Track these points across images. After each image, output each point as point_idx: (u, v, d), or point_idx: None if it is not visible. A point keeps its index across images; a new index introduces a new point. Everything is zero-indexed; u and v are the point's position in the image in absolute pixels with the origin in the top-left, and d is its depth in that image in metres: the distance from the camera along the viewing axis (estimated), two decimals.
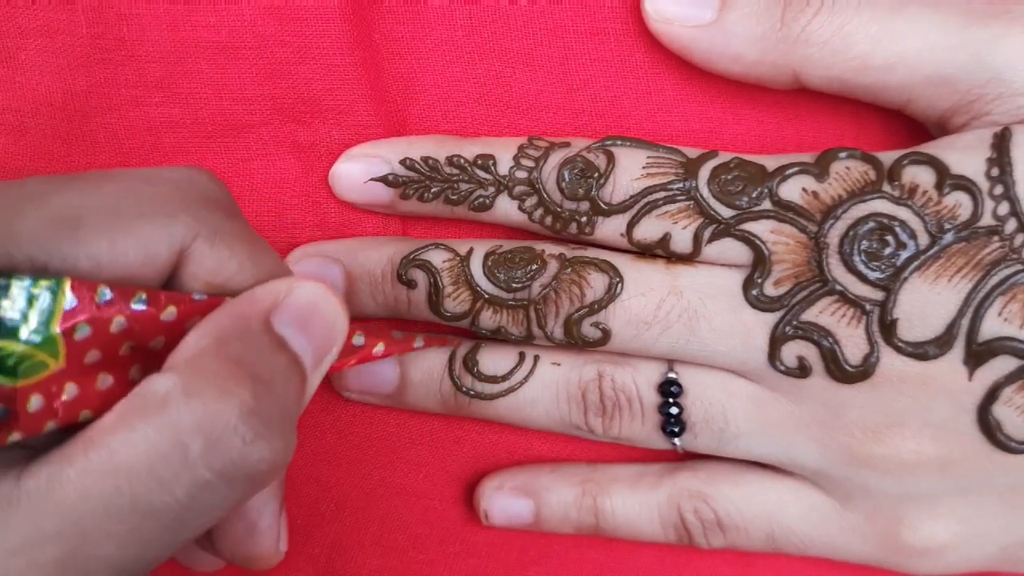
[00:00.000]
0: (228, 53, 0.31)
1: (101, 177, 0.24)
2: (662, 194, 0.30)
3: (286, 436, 0.23)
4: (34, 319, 0.21)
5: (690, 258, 0.31)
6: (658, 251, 0.31)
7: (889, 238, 0.29)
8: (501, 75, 0.32)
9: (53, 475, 0.21)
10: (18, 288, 0.21)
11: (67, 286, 0.21)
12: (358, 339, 0.28)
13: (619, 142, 0.31)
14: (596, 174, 0.30)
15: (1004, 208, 0.28)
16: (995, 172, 0.29)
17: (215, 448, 0.21)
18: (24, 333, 0.21)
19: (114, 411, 0.22)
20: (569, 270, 0.31)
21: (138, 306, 0.23)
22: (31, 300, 0.21)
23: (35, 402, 0.21)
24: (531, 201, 0.31)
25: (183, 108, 0.31)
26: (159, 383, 0.22)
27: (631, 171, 0.30)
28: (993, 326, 0.28)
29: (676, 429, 0.31)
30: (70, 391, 0.22)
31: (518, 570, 0.36)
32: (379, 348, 0.29)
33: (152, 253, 0.23)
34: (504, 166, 0.31)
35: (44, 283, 0.21)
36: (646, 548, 0.35)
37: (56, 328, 0.21)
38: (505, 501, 0.34)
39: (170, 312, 0.23)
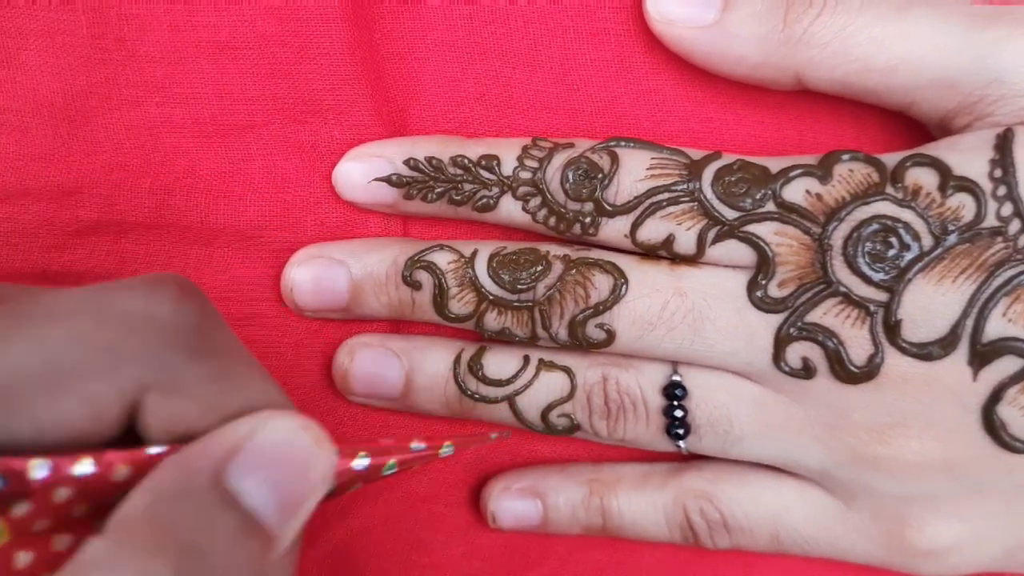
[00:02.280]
0: (228, 53, 0.31)
1: (42, 319, 0.21)
2: (666, 195, 0.30)
3: None
4: None
5: (694, 259, 0.31)
6: (662, 252, 0.31)
7: (893, 240, 0.29)
8: (501, 75, 0.32)
9: None
10: None
11: None
12: (360, 462, 0.23)
13: (623, 143, 0.31)
14: (600, 175, 0.30)
15: (1008, 209, 0.28)
16: (998, 173, 0.29)
17: None
18: None
19: None
20: (574, 271, 0.31)
21: (83, 471, 0.21)
22: None
23: None
24: (535, 202, 0.31)
25: (183, 108, 0.31)
26: (92, 550, 0.20)
27: (635, 172, 0.30)
28: (997, 327, 0.29)
29: (681, 432, 0.31)
30: (23, 559, 0.21)
31: (521, 571, 0.36)
32: (391, 467, 0.24)
33: (98, 411, 0.21)
34: (508, 167, 0.31)
35: None
36: (649, 549, 0.35)
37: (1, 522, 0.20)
38: (512, 503, 0.34)
39: (121, 472, 0.21)
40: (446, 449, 0.25)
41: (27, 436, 0.20)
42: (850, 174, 0.29)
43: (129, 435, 0.22)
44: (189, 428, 0.22)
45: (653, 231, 0.30)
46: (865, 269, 0.29)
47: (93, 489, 0.21)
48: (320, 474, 0.22)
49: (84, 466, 0.21)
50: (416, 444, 0.25)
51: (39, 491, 0.20)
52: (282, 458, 0.21)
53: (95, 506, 0.21)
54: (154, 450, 0.21)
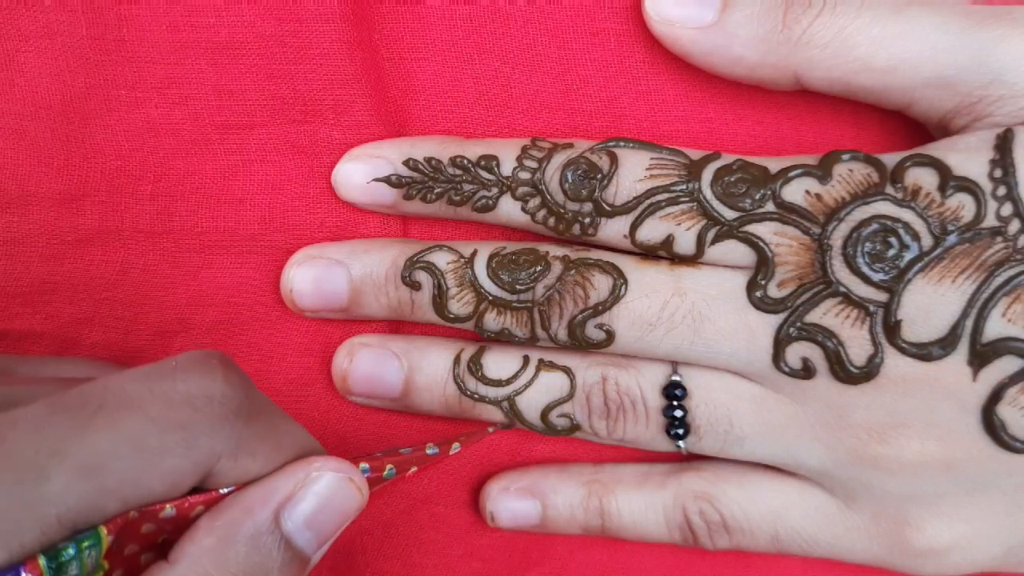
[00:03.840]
0: (228, 54, 0.31)
1: (117, 406, 0.23)
2: (665, 196, 0.30)
3: None
4: (88, 566, 0.22)
5: (693, 260, 0.31)
6: (661, 252, 0.31)
7: (892, 240, 0.29)
8: (500, 75, 0.32)
9: None
10: (67, 556, 0.22)
11: (103, 532, 0.22)
12: (389, 472, 0.28)
13: (622, 143, 0.31)
14: (599, 175, 0.30)
15: (1007, 209, 0.28)
16: (998, 173, 0.29)
17: None
18: None
19: None
20: (573, 272, 0.31)
21: (168, 514, 0.24)
22: (82, 562, 0.22)
23: None
24: (534, 202, 0.31)
25: (183, 109, 0.31)
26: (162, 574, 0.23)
27: (634, 172, 0.30)
28: (997, 327, 0.28)
29: (680, 432, 0.31)
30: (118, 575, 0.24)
31: (521, 571, 0.36)
32: (412, 470, 0.29)
33: (178, 484, 0.24)
34: (507, 167, 0.31)
35: (86, 543, 0.22)
36: (648, 549, 0.35)
37: (103, 561, 0.23)
38: (512, 503, 0.34)
39: (199, 511, 0.24)
40: (455, 448, 0.30)
41: (113, 511, 0.23)
42: (850, 174, 0.29)
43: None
44: (252, 476, 0.25)
45: (652, 231, 0.30)
46: (865, 269, 0.29)
47: (172, 526, 0.24)
48: (355, 511, 0.26)
49: (167, 511, 0.24)
50: (431, 448, 0.30)
51: (129, 526, 0.23)
52: (330, 506, 0.25)
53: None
54: (224, 491, 0.25)
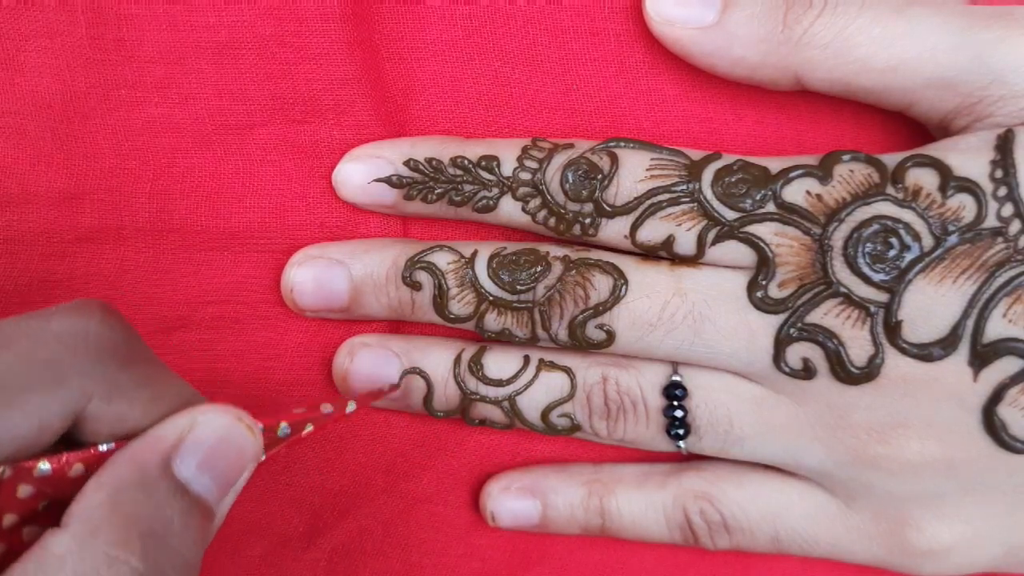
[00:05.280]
0: (228, 53, 0.31)
1: None
2: (666, 196, 0.30)
3: None
4: None
5: (694, 260, 0.30)
6: (662, 253, 0.31)
7: (893, 240, 0.29)
8: (500, 75, 0.32)
9: None
10: None
11: None
12: (283, 430, 0.27)
13: (623, 144, 0.31)
14: (600, 176, 0.30)
15: (1008, 209, 0.28)
16: (999, 174, 0.29)
17: None
18: None
19: (16, 569, 0.22)
20: (573, 272, 0.31)
21: (42, 471, 0.23)
22: None
23: None
24: (535, 202, 0.31)
25: (183, 109, 0.31)
26: (55, 543, 0.22)
27: (635, 173, 0.30)
28: (998, 327, 0.28)
29: (681, 432, 0.31)
30: None
31: (521, 571, 0.35)
32: (308, 428, 0.28)
33: (45, 424, 0.23)
34: (508, 167, 0.31)
35: None
36: (648, 549, 0.35)
37: None
38: (512, 502, 0.34)
39: (77, 469, 0.23)
40: (350, 407, 0.29)
41: None
42: (850, 174, 0.29)
43: (62, 446, 0.24)
44: (132, 427, 0.24)
45: (653, 232, 0.30)
46: (865, 270, 0.29)
47: (52, 488, 0.23)
48: (252, 455, 0.25)
49: (42, 466, 0.23)
50: (326, 407, 0.28)
51: (3, 489, 0.22)
52: (221, 447, 0.24)
53: (55, 501, 0.23)
54: (103, 447, 0.24)
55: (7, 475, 0.22)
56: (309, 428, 0.27)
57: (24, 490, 0.23)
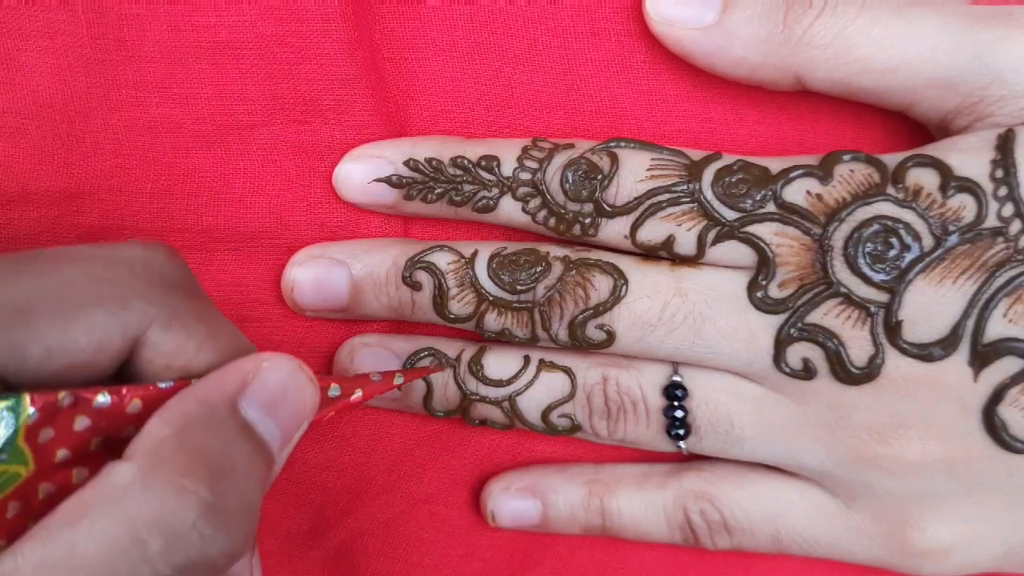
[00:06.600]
0: (228, 53, 0.31)
1: (53, 258, 0.23)
2: (666, 196, 0.30)
3: (246, 525, 0.23)
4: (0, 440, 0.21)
5: (694, 260, 0.30)
6: (662, 253, 0.31)
7: (893, 240, 0.29)
8: (501, 75, 0.32)
9: (9, 571, 0.20)
10: None
11: (27, 401, 0.21)
12: (333, 391, 0.27)
13: (623, 144, 0.31)
14: (600, 176, 0.30)
15: (1008, 209, 0.28)
16: (999, 174, 0.29)
17: (174, 545, 0.21)
18: None
19: (73, 499, 0.21)
20: (573, 272, 0.31)
21: (101, 403, 0.23)
22: None
23: (13, 508, 0.22)
24: (535, 203, 0.31)
25: (183, 109, 0.31)
26: (119, 473, 0.22)
27: (635, 173, 0.30)
28: (998, 327, 0.28)
29: (681, 432, 0.31)
30: (45, 490, 0.23)
31: (521, 571, 0.35)
32: (357, 394, 0.28)
33: (105, 341, 0.23)
34: (508, 167, 0.31)
35: (3, 403, 0.21)
36: (648, 549, 0.35)
37: (22, 442, 0.22)
38: (512, 502, 0.34)
39: (135, 405, 0.23)
40: (398, 379, 0.29)
41: (35, 359, 0.22)
42: (851, 174, 0.29)
43: (118, 381, 0.24)
44: (188, 361, 0.24)
45: (653, 232, 0.30)
46: (866, 270, 0.29)
47: (107, 423, 0.23)
48: (311, 407, 0.25)
49: (101, 398, 0.23)
50: (374, 375, 0.29)
51: (62, 418, 0.22)
52: (286, 394, 0.25)
53: (107, 441, 0.23)
54: (163, 384, 0.24)
55: (67, 402, 0.22)
56: (358, 394, 0.27)
57: (81, 422, 0.22)
